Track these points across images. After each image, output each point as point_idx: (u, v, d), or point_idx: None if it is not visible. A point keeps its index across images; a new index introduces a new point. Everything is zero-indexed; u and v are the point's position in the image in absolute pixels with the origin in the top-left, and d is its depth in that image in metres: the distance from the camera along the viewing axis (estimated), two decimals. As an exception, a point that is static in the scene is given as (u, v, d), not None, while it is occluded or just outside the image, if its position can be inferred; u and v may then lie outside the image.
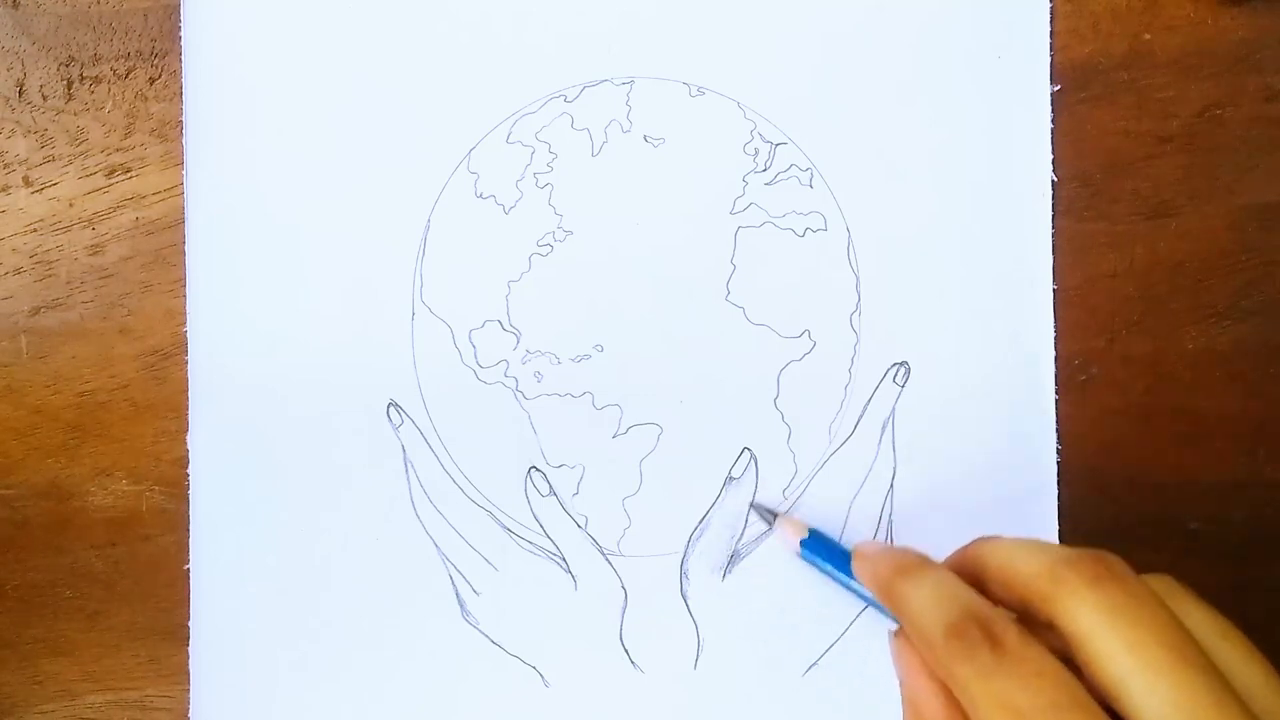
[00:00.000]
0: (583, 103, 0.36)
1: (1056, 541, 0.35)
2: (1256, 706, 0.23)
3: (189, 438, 0.36)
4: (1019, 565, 0.25)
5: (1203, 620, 0.24)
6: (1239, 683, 0.23)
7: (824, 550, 0.33)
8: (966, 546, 0.28)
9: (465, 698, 0.36)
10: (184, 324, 0.36)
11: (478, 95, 0.36)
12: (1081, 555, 0.24)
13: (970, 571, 0.27)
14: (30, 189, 0.36)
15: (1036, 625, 0.24)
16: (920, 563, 0.27)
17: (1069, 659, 0.23)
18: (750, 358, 0.36)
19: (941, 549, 0.35)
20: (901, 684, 0.27)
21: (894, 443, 0.35)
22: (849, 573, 0.31)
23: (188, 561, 0.36)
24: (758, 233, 0.36)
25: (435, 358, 0.36)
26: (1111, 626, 0.23)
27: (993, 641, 0.23)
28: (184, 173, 0.36)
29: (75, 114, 0.36)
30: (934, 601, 0.25)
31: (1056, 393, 0.35)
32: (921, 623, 0.25)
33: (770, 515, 0.35)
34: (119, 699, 0.37)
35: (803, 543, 0.34)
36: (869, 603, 0.31)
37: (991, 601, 0.26)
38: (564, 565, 0.36)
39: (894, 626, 0.28)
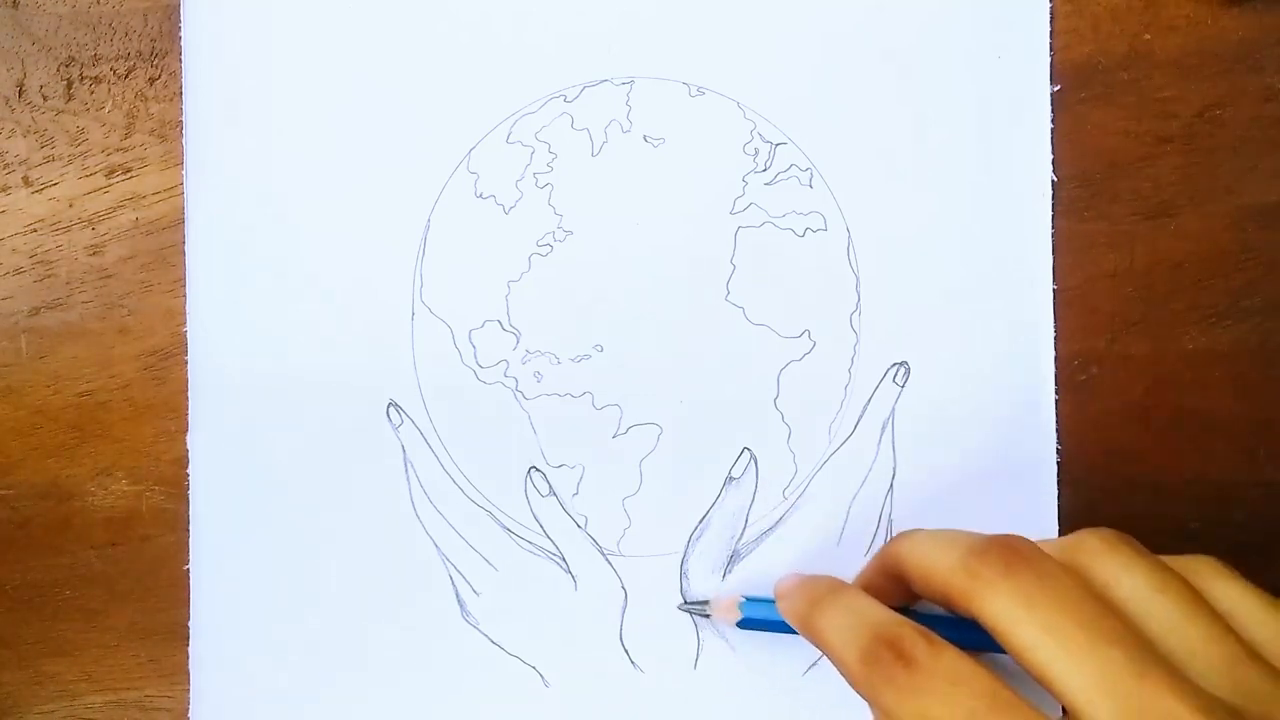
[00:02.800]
0: (583, 103, 0.36)
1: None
2: (1198, 665, 0.22)
3: (189, 438, 0.36)
4: (933, 561, 0.25)
5: (1142, 576, 0.24)
6: (1175, 643, 0.23)
7: (763, 613, 0.33)
8: (886, 545, 0.28)
9: (465, 698, 0.36)
10: (184, 324, 0.36)
11: (478, 95, 0.36)
12: (990, 544, 0.24)
13: (891, 572, 0.27)
14: (30, 189, 0.36)
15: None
16: (831, 589, 0.27)
17: None
18: (750, 358, 0.36)
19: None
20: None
21: (894, 443, 0.35)
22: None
23: (188, 561, 0.36)
24: (758, 233, 0.36)
25: (435, 358, 0.36)
26: (1027, 613, 0.23)
27: (904, 660, 0.23)
28: (184, 173, 0.36)
29: (75, 114, 0.36)
30: (844, 629, 0.25)
31: (1056, 393, 0.35)
32: (839, 656, 0.25)
33: (703, 605, 0.35)
34: (119, 699, 0.37)
35: (740, 623, 0.33)
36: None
37: (917, 597, 0.25)
38: (564, 565, 0.36)
39: None
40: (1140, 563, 0.24)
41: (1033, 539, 0.25)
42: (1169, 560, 0.25)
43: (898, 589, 0.27)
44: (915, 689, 0.23)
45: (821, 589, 0.28)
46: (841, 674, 0.25)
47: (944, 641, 0.24)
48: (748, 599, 0.33)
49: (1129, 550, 0.24)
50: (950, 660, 0.23)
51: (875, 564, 0.29)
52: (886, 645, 0.24)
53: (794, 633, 0.30)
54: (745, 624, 0.33)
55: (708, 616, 0.35)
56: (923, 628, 0.24)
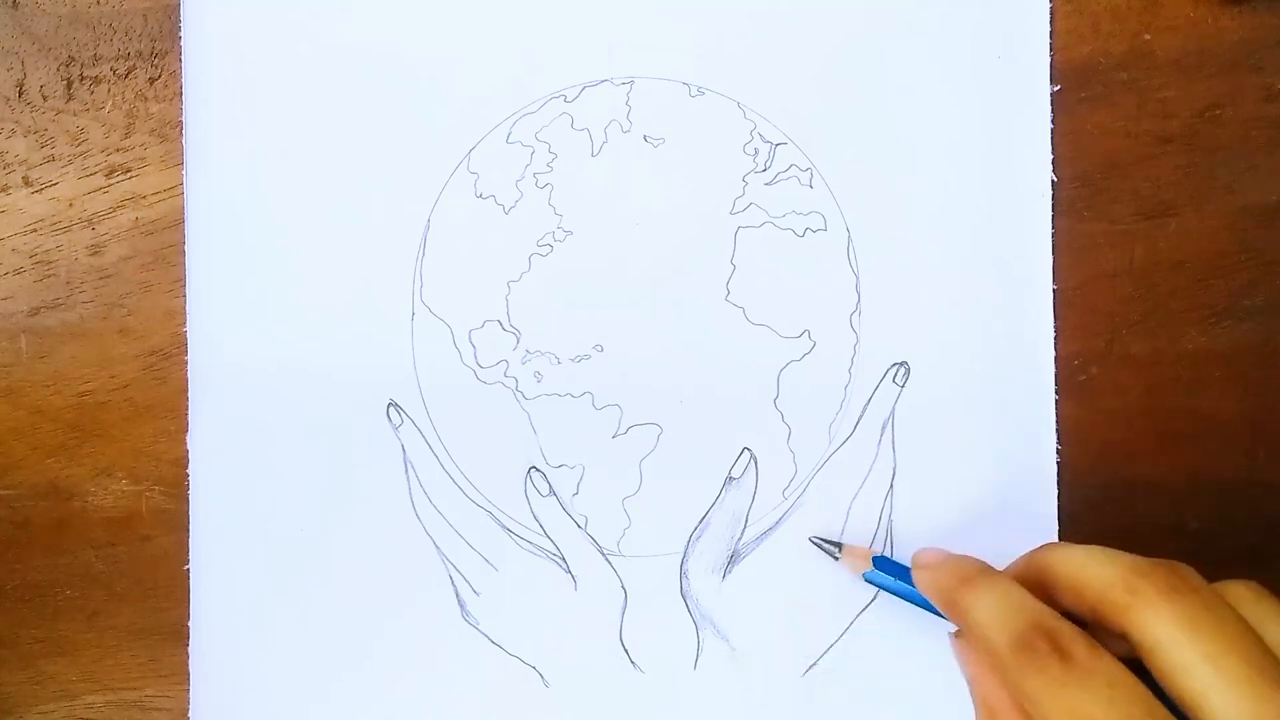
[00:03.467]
0: (583, 103, 0.36)
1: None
2: None
3: (189, 438, 0.36)
4: (1090, 575, 0.25)
5: None
6: None
7: (890, 571, 0.33)
8: (1032, 553, 0.28)
9: (465, 698, 0.36)
10: (184, 324, 0.36)
11: (478, 95, 0.36)
12: (1155, 566, 0.24)
13: (1035, 579, 0.27)
14: (30, 189, 0.36)
15: (1105, 636, 0.24)
16: (982, 571, 0.27)
17: (1139, 671, 0.23)
18: (750, 358, 0.36)
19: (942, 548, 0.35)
20: (971, 685, 0.27)
21: (894, 443, 0.35)
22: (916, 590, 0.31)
23: (188, 561, 0.36)
24: (758, 233, 0.36)
25: (435, 358, 0.36)
26: (1189, 639, 0.23)
27: (1061, 654, 0.23)
28: (184, 173, 0.36)
29: (75, 114, 0.36)
30: (999, 613, 0.25)
31: (1056, 393, 0.35)
32: (987, 635, 0.25)
33: (835, 546, 0.35)
34: (119, 699, 0.37)
35: (866, 575, 0.33)
36: (943, 617, 0.30)
37: (1059, 610, 0.25)
38: (564, 565, 0.36)
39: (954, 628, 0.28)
40: None
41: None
42: None
43: (1037, 598, 0.27)
44: (1070, 683, 0.23)
45: (971, 568, 0.28)
46: (984, 656, 0.25)
47: (1102, 648, 0.24)
48: (881, 556, 0.33)
49: (1275, 602, 0.25)
50: (1110, 663, 0.23)
51: (1018, 567, 0.28)
52: (1044, 636, 0.24)
53: (920, 604, 0.30)
54: (872, 578, 0.33)
55: (836, 559, 0.35)
56: (1081, 629, 0.24)
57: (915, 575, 0.31)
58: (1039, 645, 0.24)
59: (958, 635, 0.28)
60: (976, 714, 0.26)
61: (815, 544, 0.35)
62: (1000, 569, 0.29)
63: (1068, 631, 0.24)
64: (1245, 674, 0.22)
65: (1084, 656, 0.23)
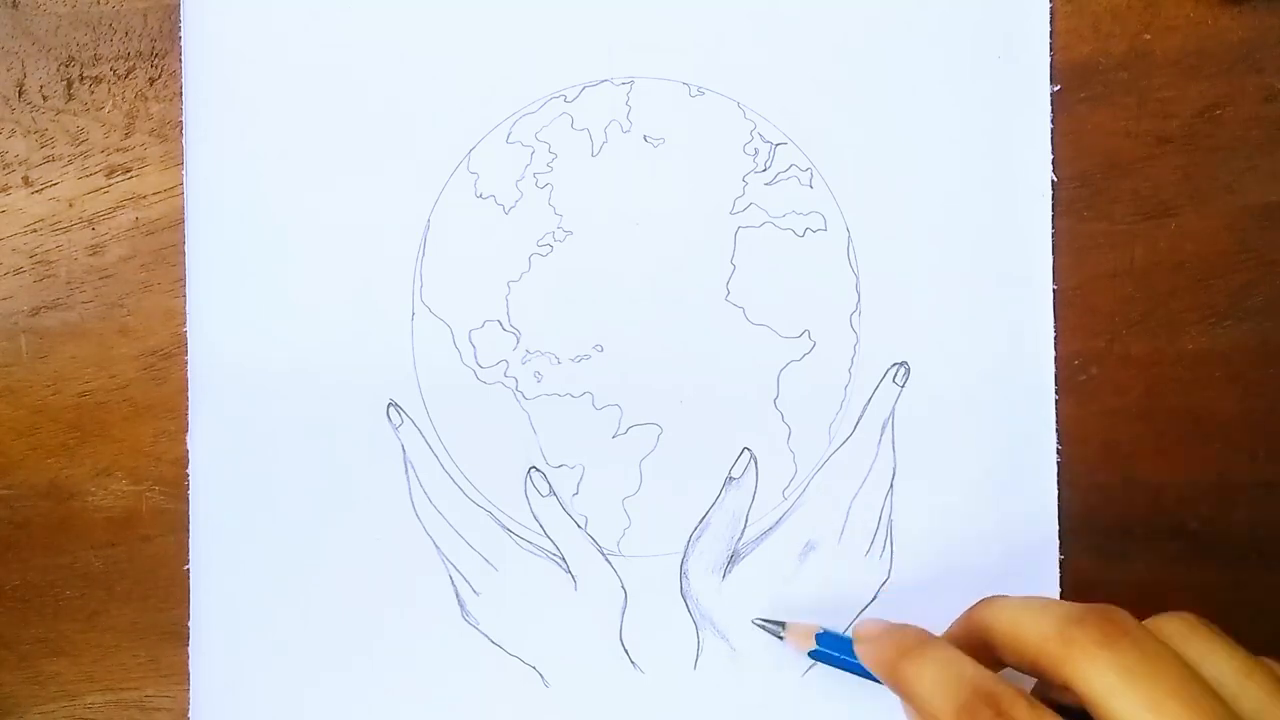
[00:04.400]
0: (583, 103, 0.36)
1: (1055, 544, 0.35)
2: None
3: (189, 438, 0.36)
4: (1026, 629, 0.25)
5: (1226, 660, 0.24)
6: None
7: (834, 647, 0.32)
8: (970, 610, 0.28)
9: (465, 698, 0.36)
10: (184, 324, 0.36)
11: (478, 95, 0.36)
12: (1088, 613, 0.24)
13: (976, 638, 0.27)
14: (30, 189, 0.36)
15: (1051, 686, 0.24)
16: (921, 641, 0.27)
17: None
18: (750, 358, 0.36)
19: (941, 549, 0.35)
20: None
21: (894, 443, 0.35)
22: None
23: (188, 561, 0.36)
24: (758, 233, 0.36)
25: (435, 358, 0.36)
26: (1128, 687, 0.23)
27: (1004, 718, 0.23)
28: (184, 173, 0.36)
29: (75, 114, 0.36)
30: (940, 684, 0.25)
31: (1056, 393, 0.35)
32: (930, 707, 0.25)
33: (779, 625, 0.35)
34: (119, 699, 0.37)
35: (811, 652, 0.33)
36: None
37: (1002, 663, 0.25)
38: (564, 565, 0.36)
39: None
40: (1224, 646, 0.24)
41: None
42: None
43: (979, 656, 0.27)
44: None
45: (910, 639, 0.28)
46: None
47: (1043, 705, 0.24)
48: (824, 632, 0.33)
49: (1210, 633, 0.25)
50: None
51: (958, 627, 0.29)
52: (985, 702, 0.24)
53: (867, 676, 0.30)
54: (816, 655, 0.33)
55: (780, 638, 0.35)
56: (1021, 689, 0.24)
57: (858, 649, 0.30)
58: (981, 711, 0.24)
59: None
60: None
61: (759, 625, 0.35)
62: (939, 635, 0.29)
63: (1008, 694, 0.24)
64: (1185, 716, 0.22)
65: (1025, 718, 0.23)
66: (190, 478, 0.36)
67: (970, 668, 0.25)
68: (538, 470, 0.36)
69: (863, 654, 0.30)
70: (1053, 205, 0.35)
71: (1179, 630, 0.25)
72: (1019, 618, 0.26)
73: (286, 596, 0.36)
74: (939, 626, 0.34)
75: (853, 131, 0.36)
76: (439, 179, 0.36)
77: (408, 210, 0.36)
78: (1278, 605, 0.35)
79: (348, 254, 0.36)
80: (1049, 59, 0.35)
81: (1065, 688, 0.24)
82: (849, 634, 0.32)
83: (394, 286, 0.36)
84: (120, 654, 0.37)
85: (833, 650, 0.32)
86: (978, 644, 0.27)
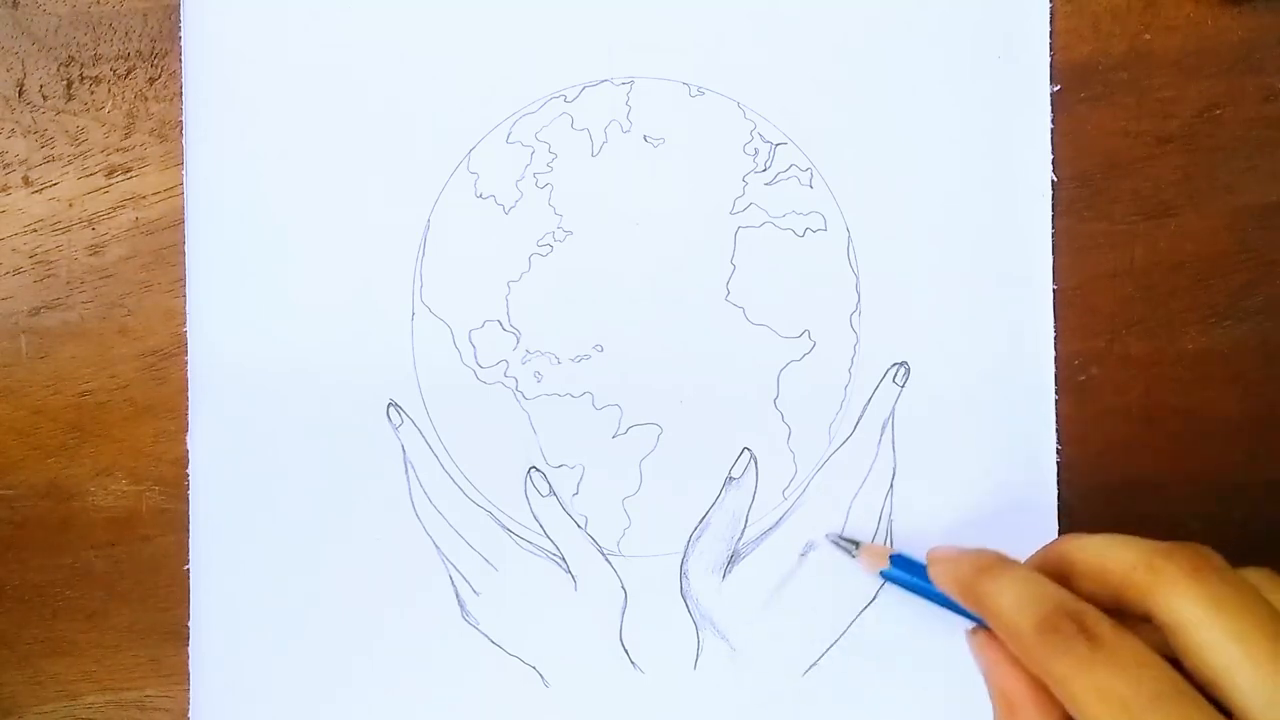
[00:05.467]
0: (583, 103, 0.36)
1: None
2: None
3: (189, 438, 0.36)
4: (1112, 559, 0.25)
5: None
6: None
7: (907, 569, 0.32)
8: (1049, 546, 0.28)
9: (465, 698, 0.36)
10: (184, 324, 0.36)
11: (478, 95, 0.36)
12: (1177, 547, 0.24)
13: (1054, 570, 0.27)
14: (30, 189, 0.36)
15: (1128, 621, 0.24)
16: (1002, 561, 0.27)
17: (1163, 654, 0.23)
18: (750, 358, 0.36)
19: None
20: (988, 679, 0.27)
21: (894, 443, 0.35)
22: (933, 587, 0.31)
23: (188, 561, 0.36)
24: (758, 233, 0.36)
25: (435, 358, 0.36)
26: (1214, 617, 0.23)
27: (1088, 634, 0.23)
28: (184, 173, 0.36)
29: (75, 114, 0.36)
30: (1022, 598, 0.25)
31: (1056, 393, 0.35)
32: (1010, 620, 0.25)
33: (853, 544, 0.35)
34: (119, 699, 0.37)
35: (883, 572, 0.33)
36: (960, 614, 0.30)
37: (1081, 598, 0.25)
38: (564, 565, 0.36)
39: (970, 625, 0.28)
40: None
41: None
42: None
43: None
44: (1098, 663, 0.23)
45: (990, 559, 0.27)
46: (1008, 641, 0.25)
47: (1127, 630, 0.24)
48: (898, 554, 0.33)
49: None
50: (1136, 643, 0.23)
51: (1035, 560, 0.28)
52: (1069, 618, 0.24)
53: (937, 600, 0.30)
54: (888, 575, 0.33)
55: (853, 556, 0.34)
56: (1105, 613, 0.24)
57: (932, 570, 0.30)
58: (1064, 627, 0.24)
59: (974, 632, 0.28)
60: (995, 710, 0.26)
61: (833, 542, 0.35)
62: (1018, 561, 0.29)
63: (1092, 613, 0.24)
64: (1272, 650, 0.22)
65: (1110, 637, 0.23)
66: (190, 478, 0.36)
67: (1051, 587, 0.25)
68: (538, 470, 0.36)
69: (937, 575, 0.30)
70: (1053, 205, 0.35)
71: (1262, 580, 0.25)
72: (1104, 549, 0.26)
73: (286, 596, 0.36)
74: (939, 627, 0.34)
75: (853, 131, 0.36)
76: (439, 179, 0.36)
77: (408, 210, 0.36)
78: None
79: (348, 254, 0.36)
80: (1049, 59, 0.35)
81: (1146, 620, 0.24)
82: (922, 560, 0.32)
83: (394, 286, 0.36)
84: (120, 654, 0.37)
85: (906, 573, 0.32)
86: (1056, 577, 0.26)
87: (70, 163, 0.36)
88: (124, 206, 0.36)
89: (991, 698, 0.27)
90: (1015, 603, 0.25)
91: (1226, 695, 0.22)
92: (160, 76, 0.36)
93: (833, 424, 0.36)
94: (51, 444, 0.36)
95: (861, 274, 0.36)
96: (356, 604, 0.36)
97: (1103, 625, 0.23)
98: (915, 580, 0.32)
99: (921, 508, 0.35)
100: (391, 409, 0.36)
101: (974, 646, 0.28)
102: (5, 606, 0.37)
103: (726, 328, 0.36)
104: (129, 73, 0.36)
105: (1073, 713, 0.23)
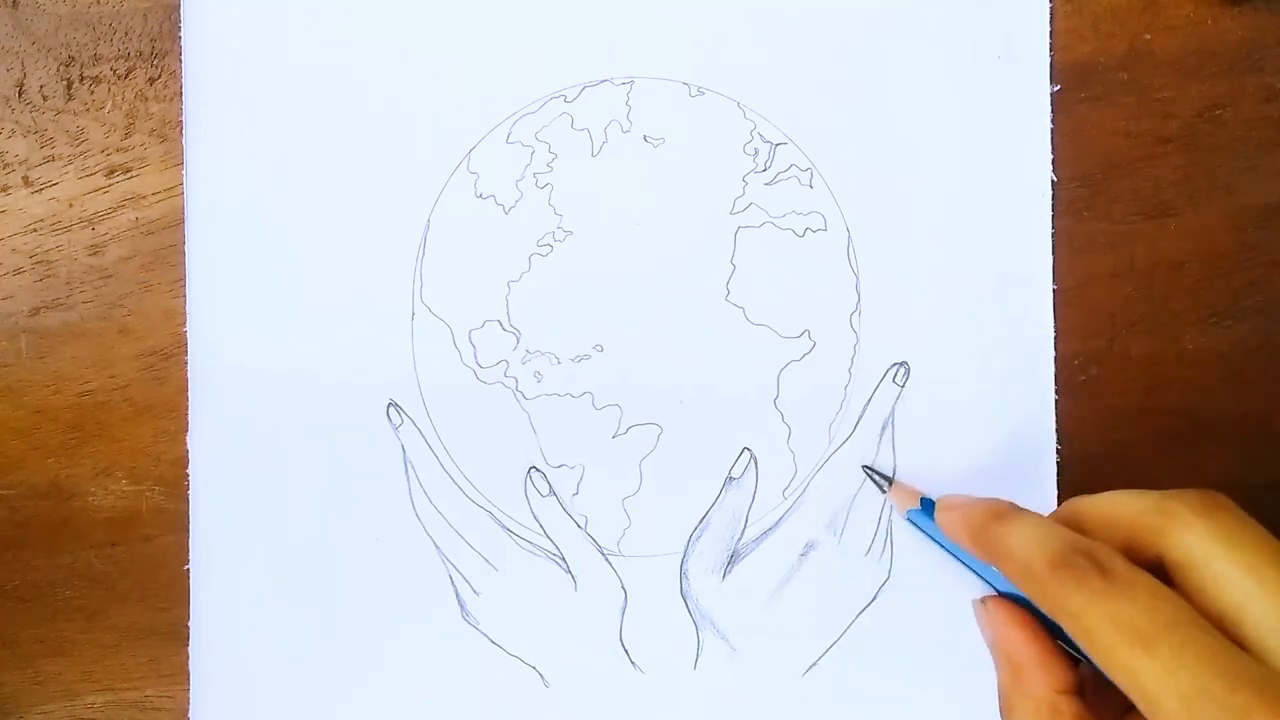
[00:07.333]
0: (583, 103, 0.36)
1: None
2: None
3: (189, 438, 0.36)
4: (1123, 505, 0.25)
5: None
6: None
7: (934, 516, 0.32)
8: (1059, 509, 0.28)
9: (465, 698, 0.36)
10: (184, 324, 0.36)
11: (478, 95, 0.36)
12: (1187, 490, 0.25)
13: (1065, 523, 0.27)
14: (30, 189, 0.36)
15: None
16: (1014, 508, 0.27)
17: None
18: (750, 358, 0.36)
19: (942, 550, 0.35)
20: (995, 646, 0.27)
21: (894, 443, 0.35)
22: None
23: (188, 561, 0.36)
24: (758, 233, 0.36)
25: (435, 358, 0.36)
26: (1227, 551, 0.23)
27: (1101, 568, 0.23)
28: (184, 173, 0.36)
29: (75, 114, 0.36)
30: (1035, 539, 0.25)
31: (1056, 393, 0.35)
32: (1024, 559, 0.25)
33: (886, 480, 0.35)
34: (119, 699, 0.37)
35: (910, 511, 0.33)
36: (973, 570, 0.30)
37: None
38: (564, 565, 0.36)
39: (979, 597, 0.28)
40: None
41: None
42: None
43: None
44: (1113, 594, 0.23)
45: (1004, 506, 0.28)
46: (1020, 583, 0.25)
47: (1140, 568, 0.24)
48: (928, 499, 0.32)
49: None
50: (1148, 578, 0.23)
51: (1048, 517, 0.29)
52: (1084, 554, 0.24)
53: (948, 550, 0.30)
54: (912, 516, 0.33)
55: (884, 491, 0.35)
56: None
57: (940, 516, 0.30)
58: (1078, 562, 0.24)
59: (981, 601, 0.28)
60: (1000, 678, 0.26)
61: (866, 473, 0.35)
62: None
63: (1105, 549, 0.24)
64: None
65: (1123, 570, 0.23)
66: (190, 478, 0.36)
67: (1065, 529, 0.25)
68: (538, 470, 0.36)
69: (949, 521, 0.30)
70: (1053, 205, 0.35)
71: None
72: (1114, 500, 0.26)
73: (286, 596, 0.36)
74: (939, 627, 0.34)
75: (853, 131, 0.36)
76: (439, 179, 0.36)
77: (408, 210, 0.36)
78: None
79: (348, 254, 0.36)
80: (1049, 59, 0.35)
81: (1158, 562, 0.24)
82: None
83: (394, 286, 0.36)
84: (120, 654, 0.37)
85: (928, 521, 0.32)
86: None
87: (70, 163, 0.36)
88: (124, 206, 0.36)
89: (997, 666, 0.27)
90: (1028, 543, 0.25)
91: (1239, 630, 0.22)
92: (160, 76, 0.36)
93: (833, 424, 0.36)
94: (51, 444, 0.36)
95: (861, 274, 0.36)
96: (356, 604, 0.36)
97: (1116, 560, 0.23)
98: (938, 533, 0.31)
99: (921, 508, 0.35)
100: (391, 409, 0.36)
101: (981, 614, 0.28)
102: (5, 606, 0.37)
103: (726, 328, 0.36)
104: (129, 73, 0.36)
105: (1086, 647, 0.23)
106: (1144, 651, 0.22)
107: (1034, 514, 0.27)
